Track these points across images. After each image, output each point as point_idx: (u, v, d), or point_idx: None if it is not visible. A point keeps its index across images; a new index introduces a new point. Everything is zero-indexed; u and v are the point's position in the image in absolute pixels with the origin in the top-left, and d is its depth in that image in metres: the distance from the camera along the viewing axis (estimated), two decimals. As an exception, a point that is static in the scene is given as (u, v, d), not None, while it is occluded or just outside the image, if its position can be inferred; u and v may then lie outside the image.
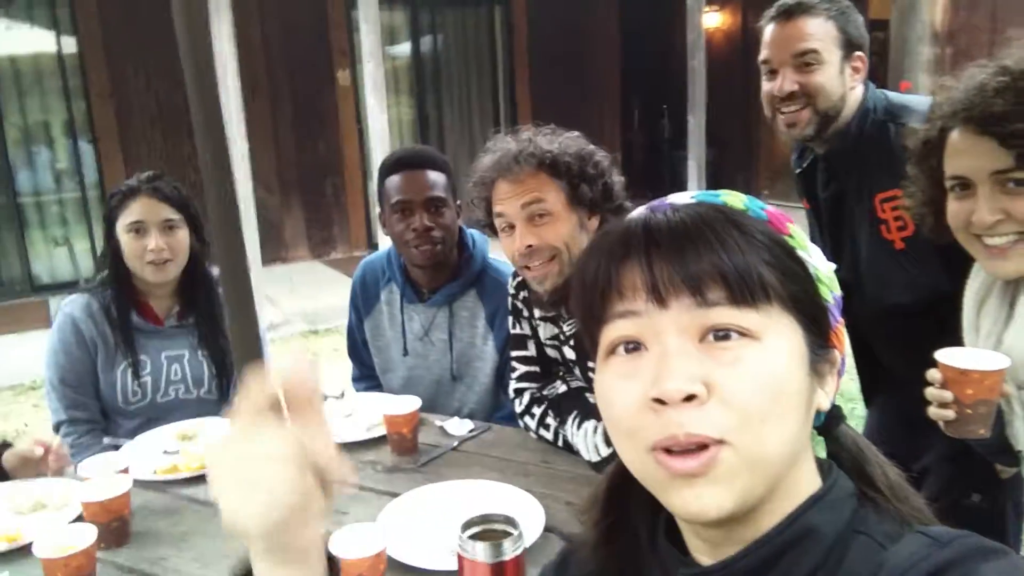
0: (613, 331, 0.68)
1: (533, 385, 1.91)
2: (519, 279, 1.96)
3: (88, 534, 1.34)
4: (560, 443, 1.80)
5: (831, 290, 0.71)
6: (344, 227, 7.93)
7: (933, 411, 1.34)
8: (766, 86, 1.87)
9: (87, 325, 2.08)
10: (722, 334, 0.65)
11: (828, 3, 1.81)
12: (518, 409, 1.90)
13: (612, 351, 0.68)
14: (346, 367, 2.47)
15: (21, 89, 6.73)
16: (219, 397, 2.22)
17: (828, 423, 0.74)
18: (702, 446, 0.63)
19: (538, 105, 8.63)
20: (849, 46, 1.82)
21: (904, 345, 1.77)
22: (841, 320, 0.73)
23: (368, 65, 5.50)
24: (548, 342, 1.91)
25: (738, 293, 0.65)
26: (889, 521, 0.68)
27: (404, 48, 8.29)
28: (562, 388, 1.86)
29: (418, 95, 8.37)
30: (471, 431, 1.93)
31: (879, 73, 6.98)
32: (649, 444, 0.65)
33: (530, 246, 1.68)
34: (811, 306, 0.69)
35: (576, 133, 1.78)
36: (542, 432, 1.84)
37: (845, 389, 3.58)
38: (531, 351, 1.94)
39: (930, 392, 1.34)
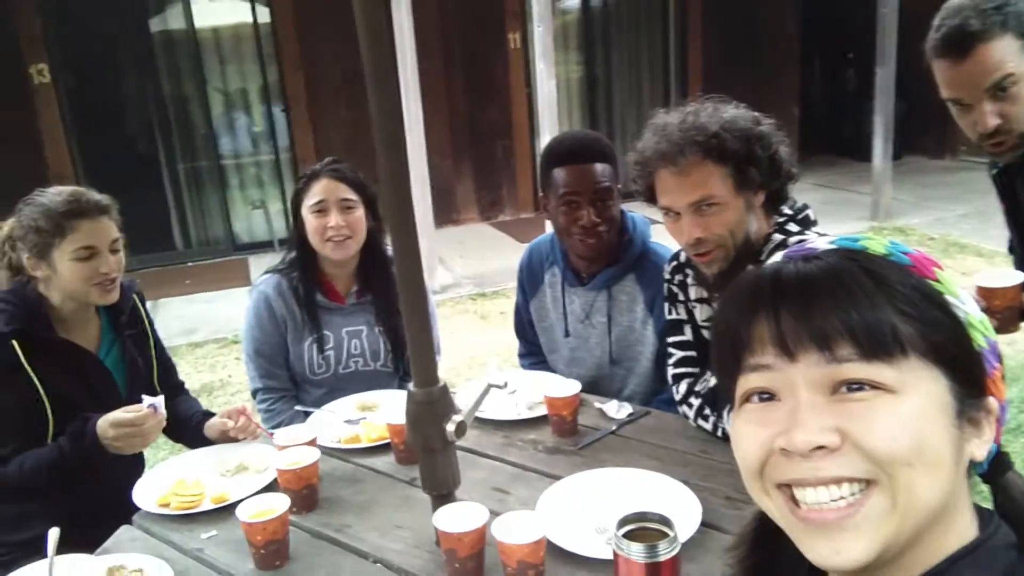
0: (747, 383, 0.70)
1: (691, 371, 1.91)
2: (674, 263, 1.96)
3: (283, 501, 1.50)
4: (720, 434, 1.79)
5: (985, 335, 0.69)
6: (512, 190, 8.07)
7: None
8: (963, 120, 1.69)
9: (278, 303, 2.28)
10: (856, 387, 0.65)
11: (995, 12, 1.57)
12: (677, 397, 1.91)
13: (747, 399, 0.70)
14: (510, 332, 2.57)
15: (222, 58, 7.28)
16: (394, 369, 2.39)
17: (992, 471, 0.72)
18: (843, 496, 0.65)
19: (711, 59, 8.31)
20: None
21: None
22: (999, 366, 0.70)
23: (539, 29, 5.51)
24: (704, 323, 1.90)
25: (868, 349, 0.64)
26: None
27: (574, 3, 8.22)
28: (713, 381, 1.84)
29: (587, 52, 8.29)
30: (630, 415, 1.96)
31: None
32: (776, 481, 0.67)
33: (699, 238, 1.67)
34: (958, 355, 0.67)
35: (743, 105, 1.70)
36: (700, 422, 1.84)
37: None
38: (687, 335, 1.93)
39: None
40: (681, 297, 1.95)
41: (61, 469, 1.81)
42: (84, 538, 1.53)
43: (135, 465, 2.05)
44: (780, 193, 1.74)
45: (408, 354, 2.32)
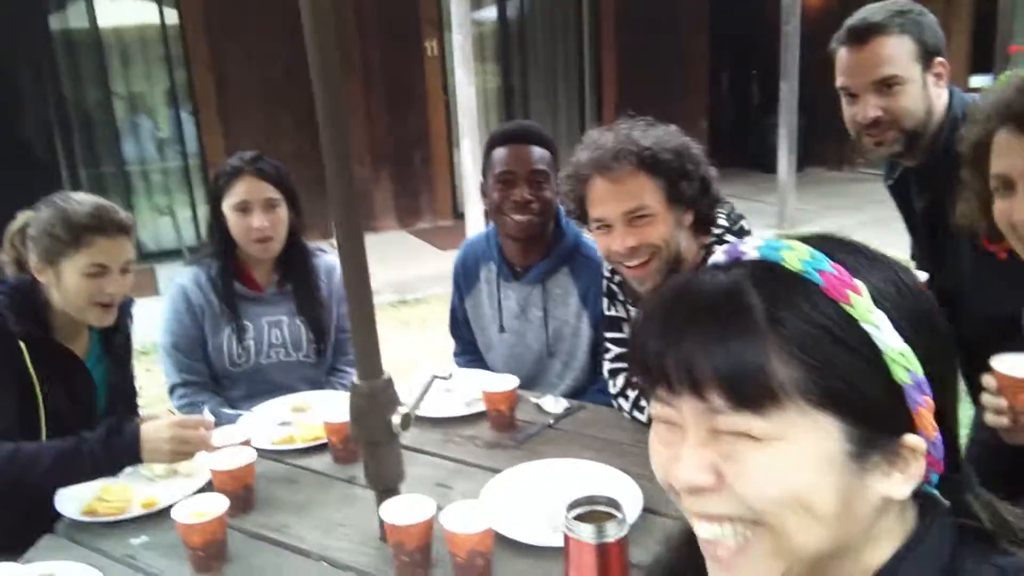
0: (653, 407, 0.70)
1: (627, 367, 1.95)
2: None
3: (220, 502, 1.46)
4: (655, 425, 1.83)
5: (908, 368, 0.62)
6: (430, 198, 8.06)
7: (990, 418, 1.34)
8: (848, 110, 1.83)
9: (195, 295, 2.25)
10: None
11: (899, 15, 1.74)
12: (612, 391, 1.95)
13: (657, 417, 0.70)
14: (434, 338, 2.57)
15: (127, 59, 7.01)
16: (316, 360, 2.37)
17: (948, 491, 0.69)
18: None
19: (624, 72, 8.53)
20: (927, 55, 1.75)
21: None
22: (927, 400, 0.64)
23: (456, 36, 5.54)
24: None
25: (736, 399, 0.62)
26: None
27: (490, 13, 8.29)
28: None
29: (503, 62, 8.38)
30: (566, 408, 1.99)
31: (988, 38, 6.64)
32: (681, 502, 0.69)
33: (633, 247, 1.68)
34: (863, 396, 0.62)
35: (674, 127, 1.74)
36: (636, 414, 1.88)
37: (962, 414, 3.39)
38: (625, 333, 1.98)
39: (985, 399, 1.34)
40: (620, 296, 1.98)
41: (69, 464, 1.65)
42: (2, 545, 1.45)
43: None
44: (708, 215, 1.76)
45: (332, 344, 2.37)
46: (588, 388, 2.19)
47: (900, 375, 0.62)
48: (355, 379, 1.41)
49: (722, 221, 1.79)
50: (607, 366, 1.99)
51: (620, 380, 1.94)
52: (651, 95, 6.93)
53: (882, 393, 0.62)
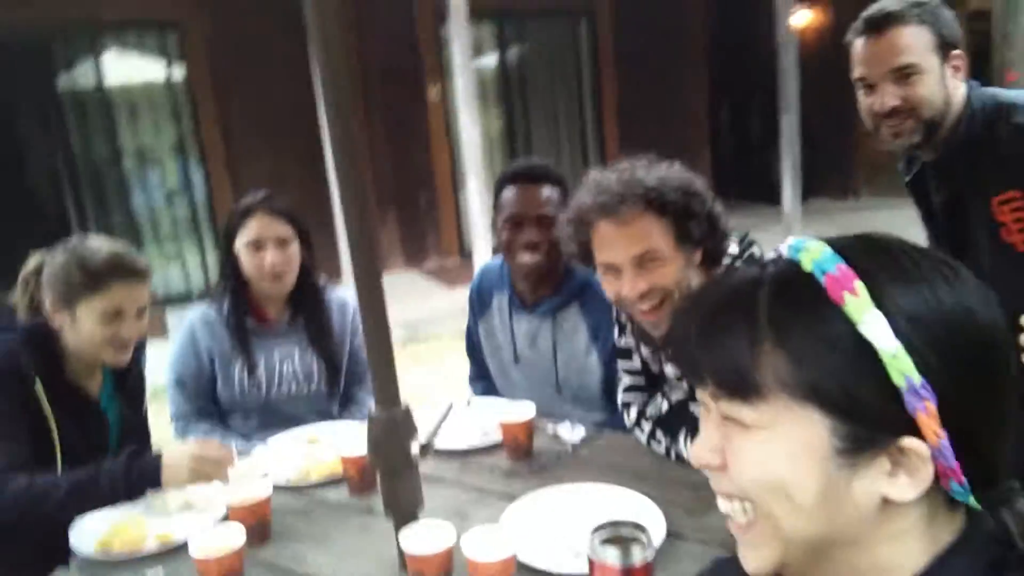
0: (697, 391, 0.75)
1: (640, 397, 1.92)
2: None
3: (238, 535, 1.43)
4: (673, 458, 1.80)
5: (905, 372, 0.62)
6: (437, 237, 8.10)
7: None
8: (865, 101, 1.82)
9: (203, 334, 2.28)
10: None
11: (916, 7, 1.75)
12: (628, 422, 1.92)
13: None
14: (446, 374, 2.56)
15: (134, 115, 7.12)
16: (328, 392, 2.37)
17: (986, 505, 0.67)
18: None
19: (624, 108, 8.63)
20: (945, 47, 1.76)
21: None
22: (927, 406, 0.62)
23: (459, 80, 5.62)
24: (652, 354, 1.90)
25: (727, 390, 0.67)
26: None
27: (491, 60, 8.42)
28: (665, 405, 1.84)
29: (505, 107, 8.48)
30: (583, 437, 1.96)
31: (983, 65, 6.70)
32: None
33: (643, 292, 1.63)
34: (851, 396, 0.63)
35: (677, 164, 1.68)
36: (653, 445, 1.85)
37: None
38: (636, 363, 1.94)
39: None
40: (629, 328, 1.95)
41: (87, 491, 1.65)
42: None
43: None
44: (717, 251, 1.69)
45: (343, 377, 2.37)
46: (605, 423, 2.15)
47: (897, 377, 0.62)
48: (372, 409, 1.40)
49: (733, 249, 1.73)
50: (620, 397, 1.96)
51: (633, 411, 1.91)
52: (652, 130, 7.02)
53: (874, 393, 0.63)
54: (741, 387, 0.66)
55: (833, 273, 0.65)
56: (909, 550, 0.66)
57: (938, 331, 0.63)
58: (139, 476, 1.66)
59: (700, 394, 0.72)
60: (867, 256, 0.67)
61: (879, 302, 0.63)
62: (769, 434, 0.66)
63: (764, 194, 9.08)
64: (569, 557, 1.41)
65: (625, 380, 1.96)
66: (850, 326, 0.63)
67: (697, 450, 0.72)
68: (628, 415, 1.92)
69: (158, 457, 1.70)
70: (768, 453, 0.66)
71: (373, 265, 1.37)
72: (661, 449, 1.83)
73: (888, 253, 0.68)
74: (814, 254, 0.67)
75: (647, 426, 1.86)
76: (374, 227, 6.60)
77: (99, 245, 1.87)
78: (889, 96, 1.76)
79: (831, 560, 0.68)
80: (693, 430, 1.71)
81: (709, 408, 0.71)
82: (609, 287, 1.68)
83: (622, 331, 1.97)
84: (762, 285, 0.68)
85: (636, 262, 1.60)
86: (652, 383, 1.92)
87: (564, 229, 1.74)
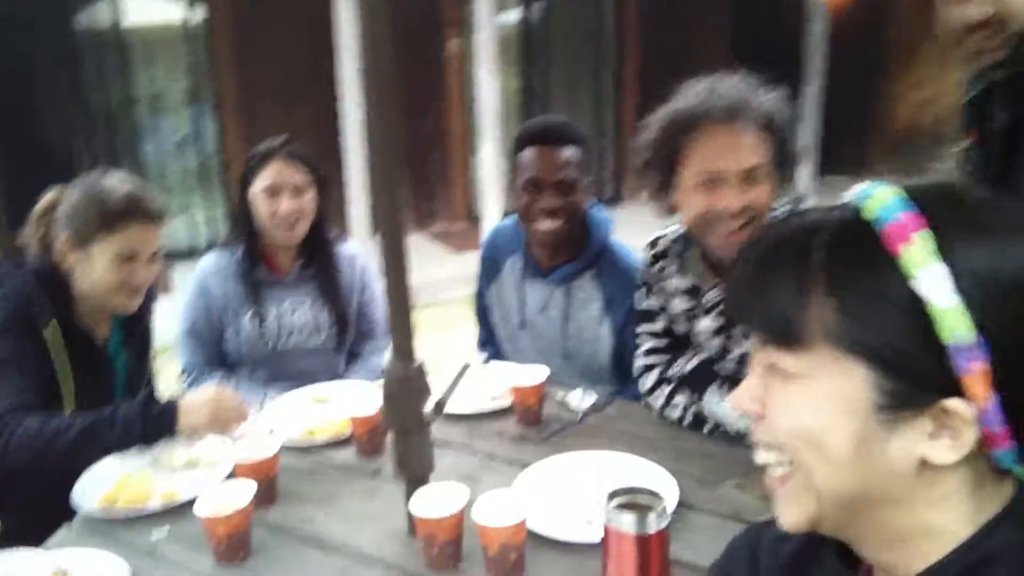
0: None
1: (660, 360, 1.88)
2: (656, 249, 1.90)
3: (245, 493, 1.41)
4: (687, 421, 1.77)
5: (956, 330, 0.60)
6: (446, 200, 8.01)
7: None
8: (952, 11, 1.62)
9: (215, 281, 2.27)
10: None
11: None
12: (645, 387, 1.88)
13: None
14: (453, 341, 2.53)
15: (151, 58, 7.01)
16: (336, 346, 2.35)
17: None
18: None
19: (645, 72, 8.47)
20: None
21: None
22: (976, 367, 0.60)
23: (481, 34, 5.50)
24: (683, 313, 1.84)
25: (773, 338, 0.67)
26: None
27: (511, 17, 8.26)
28: (689, 366, 1.82)
29: (525, 66, 8.34)
30: (593, 404, 1.93)
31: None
32: None
33: (745, 207, 1.56)
34: (896, 351, 0.62)
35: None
36: (668, 412, 1.82)
37: None
38: (659, 325, 1.90)
39: None
40: (657, 287, 1.90)
41: (100, 431, 1.64)
42: (22, 534, 1.42)
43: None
44: (780, 184, 1.67)
45: (351, 332, 2.35)
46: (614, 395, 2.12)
47: (947, 335, 0.60)
48: (387, 363, 1.37)
49: (783, 208, 1.70)
50: (639, 361, 1.92)
51: (654, 375, 1.86)
52: (673, 94, 6.88)
53: (921, 351, 0.61)
54: (786, 335, 0.65)
55: (894, 223, 0.63)
56: (953, 516, 0.65)
57: (1007, 288, 0.61)
58: (156, 420, 1.65)
59: (750, 342, 0.73)
60: (941, 205, 0.65)
61: (944, 254, 0.61)
62: (809, 384, 0.65)
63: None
64: (581, 525, 1.39)
65: (647, 343, 1.91)
66: (903, 279, 0.61)
67: (739, 396, 0.72)
68: (646, 380, 1.88)
69: (175, 402, 1.68)
70: (806, 403, 0.66)
71: (396, 215, 1.33)
72: (676, 414, 1.79)
73: (964, 203, 0.66)
74: (880, 201, 0.65)
75: (665, 389, 1.82)
76: (399, 180, 6.54)
77: (117, 184, 1.84)
78: (981, 4, 1.57)
79: (870, 519, 0.67)
80: (719, 387, 1.69)
81: (755, 356, 0.72)
82: (700, 200, 1.60)
83: (649, 291, 1.92)
84: (820, 232, 0.66)
85: (744, 176, 1.56)
86: (675, 346, 1.88)
87: (646, 134, 1.66)
